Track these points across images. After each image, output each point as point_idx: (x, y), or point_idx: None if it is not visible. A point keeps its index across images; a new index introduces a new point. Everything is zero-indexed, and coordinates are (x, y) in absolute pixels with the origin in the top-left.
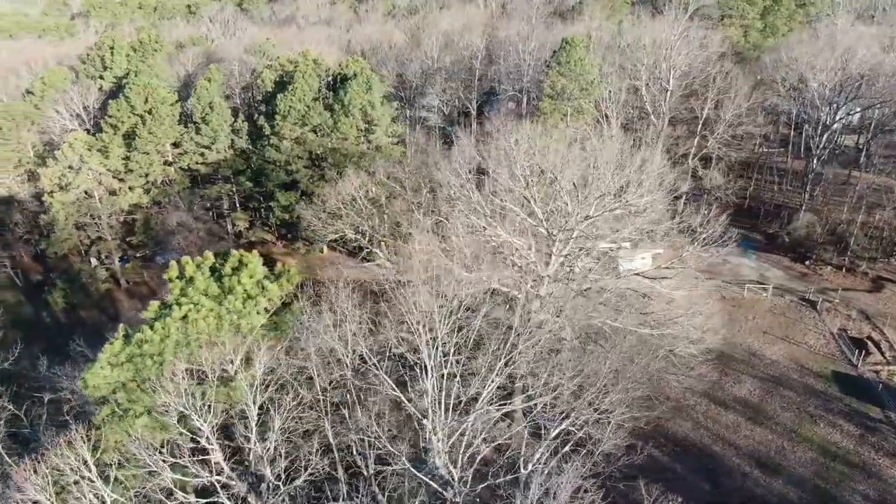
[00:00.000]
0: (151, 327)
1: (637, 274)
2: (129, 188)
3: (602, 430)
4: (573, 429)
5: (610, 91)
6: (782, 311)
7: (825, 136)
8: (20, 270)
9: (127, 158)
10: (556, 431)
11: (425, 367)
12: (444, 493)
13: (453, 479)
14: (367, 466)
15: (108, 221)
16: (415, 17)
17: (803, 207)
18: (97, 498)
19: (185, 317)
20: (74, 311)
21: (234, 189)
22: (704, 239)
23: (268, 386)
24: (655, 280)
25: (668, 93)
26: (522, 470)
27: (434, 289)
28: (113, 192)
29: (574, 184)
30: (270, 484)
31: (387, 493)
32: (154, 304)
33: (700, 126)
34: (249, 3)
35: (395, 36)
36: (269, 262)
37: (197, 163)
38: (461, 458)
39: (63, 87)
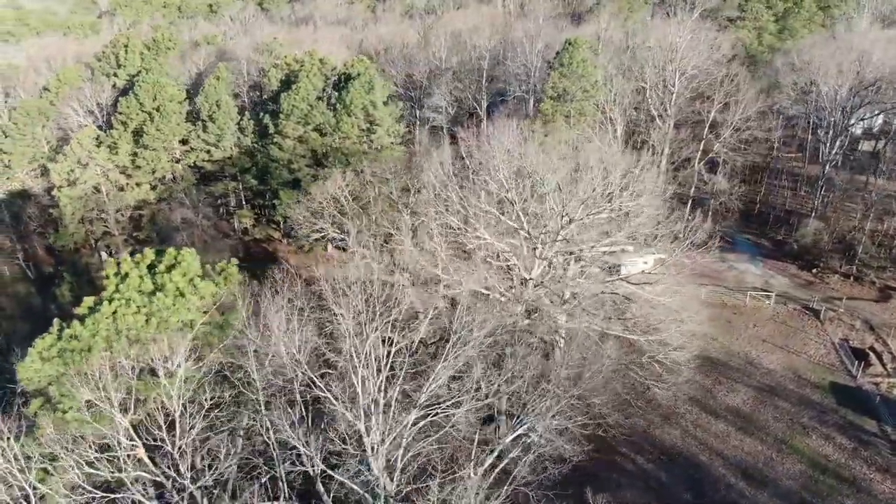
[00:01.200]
0: (82, 322)
1: (621, 279)
2: (137, 184)
3: (558, 435)
4: (525, 433)
5: (614, 93)
6: (784, 320)
7: (837, 142)
8: (32, 263)
9: (134, 155)
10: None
11: (356, 370)
12: (370, 496)
13: (388, 482)
14: (314, 467)
15: (115, 216)
16: (430, 17)
17: (813, 214)
18: (20, 490)
19: (115, 312)
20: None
21: (240, 186)
22: (690, 244)
23: (203, 384)
24: (639, 285)
25: (674, 95)
26: (472, 475)
27: (367, 291)
28: (121, 188)
29: (559, 185)
30: (187, 480)
31: (332, 494)
32: (88, 300)
33: (706, 130)
34: (270, 3)
35: (408, 36)
36: (272, 259)
37: (203, 160)
38: (400, 460)
39: (78, 85)
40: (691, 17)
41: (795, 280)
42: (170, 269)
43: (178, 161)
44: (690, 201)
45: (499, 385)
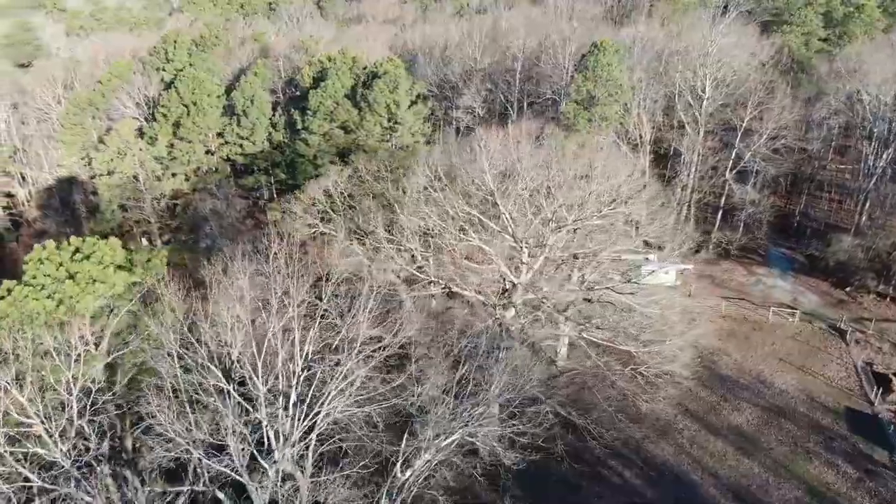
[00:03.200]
0: None
1: (608, 288)
2: (173, 174)
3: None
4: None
5: (641, 98)
6: (806, 339)
7: (885, 154)
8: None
9: (171, 146)
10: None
11: (255, 365)
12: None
13: (300, 475)
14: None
15: (151, 205)
16: (481, 16)
17: (852, 230)
18: None
19: (26, 297)
20: None
21: (271, 180)
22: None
23: (114, 368)
24: (624, 295)
25: (705, 101)
26: (400, 475)
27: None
28: (157, 178)
29: (548, 188)
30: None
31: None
32: (7, 284)
33: (738, 138)
34: (326, 2)
35: (451, 35)
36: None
37: (236, 153)
38: (310, 457)
39: (128, 78)
40: (723, 21)
41: (826, 298)
42: (87, 257)
43: (212, 153)
44: (720, 212)
45: (418, 390)
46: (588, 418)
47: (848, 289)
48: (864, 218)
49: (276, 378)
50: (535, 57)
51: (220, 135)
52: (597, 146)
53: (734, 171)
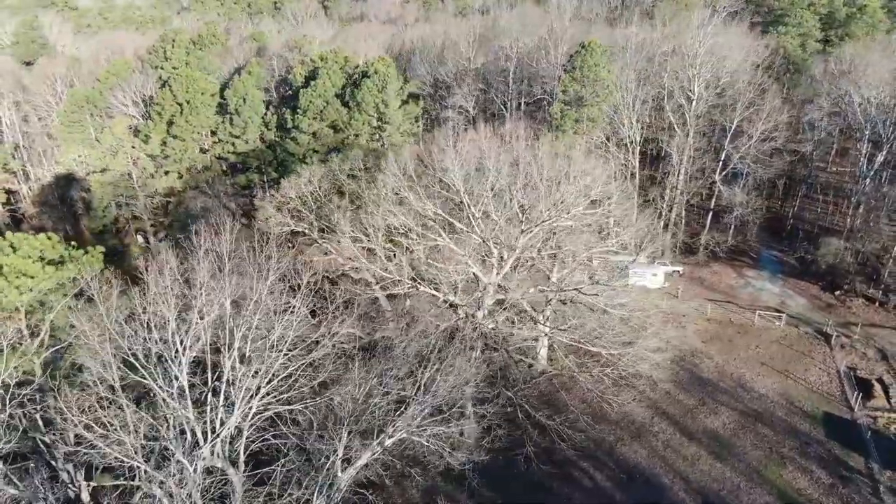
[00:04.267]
0: None
1: (575, 289)
2: (166, 172)
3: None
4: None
5: (632, 100)
6: (791, 343)
7: (879, 156)
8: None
9: (164, 144)
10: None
11: (177, 352)
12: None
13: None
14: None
15: (145, 202)
16: (482, 16)
17: (844, 233)
18: None
19: None
20: None
21: (263, 178)
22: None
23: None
24: (601, 296)
25: (694, 102)
26: (340, 474)
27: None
28: (150, 175)
29: (518, 188)
30: None
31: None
32: None
33: (728, 139)
34: (331, 1)
35: (449, 34)
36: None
37: (228, 151)
38: (242, 453)
39: (125, 76)
40: (711, 22)
41: (815, 302)
42: (15, 250)
43: (205, 151)
44: (710, 214)
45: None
46: (559, 420)
47: (837, 293)
48: (857, 221)
49: (205, 373)
50: (529, 57)
51: (213, 133)
52: (573, 147)
53: (723, 174)
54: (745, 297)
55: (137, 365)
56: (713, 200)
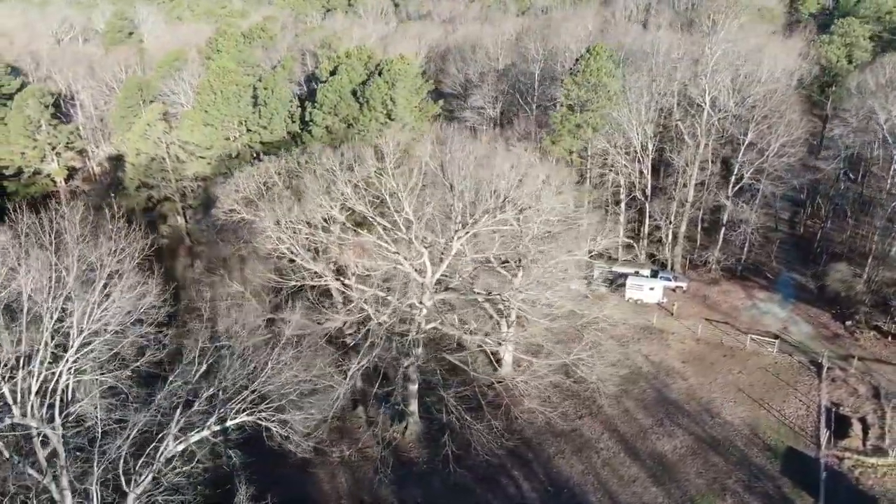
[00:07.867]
0: None
1: (494, 295)
2: (199, 158)
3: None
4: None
5: (635, 106)
6: (778, 371)
7: None
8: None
9: (196, 131)
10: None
11: None
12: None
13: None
14: None
15: (176, 185)
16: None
17: (870, 258)
18: None
19: None
20: None
21: None
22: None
23: None
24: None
25: (705, 112)
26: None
27: None
28: (181, 161)
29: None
30: None
31: None
32: None
33: (741, 153)
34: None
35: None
36: None
37: (255, 141)
38: (58, 416)
39: (178, 66)
40: (723, 29)
41: (821, 330)
42: None
43: (232, 140)
44: (722, 229)
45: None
46: (498, 425)
47: (848, 323)
48: (880, 246)
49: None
50: (553, 59)
51: (243, 123)
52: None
53: (736, 188)
54: (745, 320)
55: None
56: (725, 215)
